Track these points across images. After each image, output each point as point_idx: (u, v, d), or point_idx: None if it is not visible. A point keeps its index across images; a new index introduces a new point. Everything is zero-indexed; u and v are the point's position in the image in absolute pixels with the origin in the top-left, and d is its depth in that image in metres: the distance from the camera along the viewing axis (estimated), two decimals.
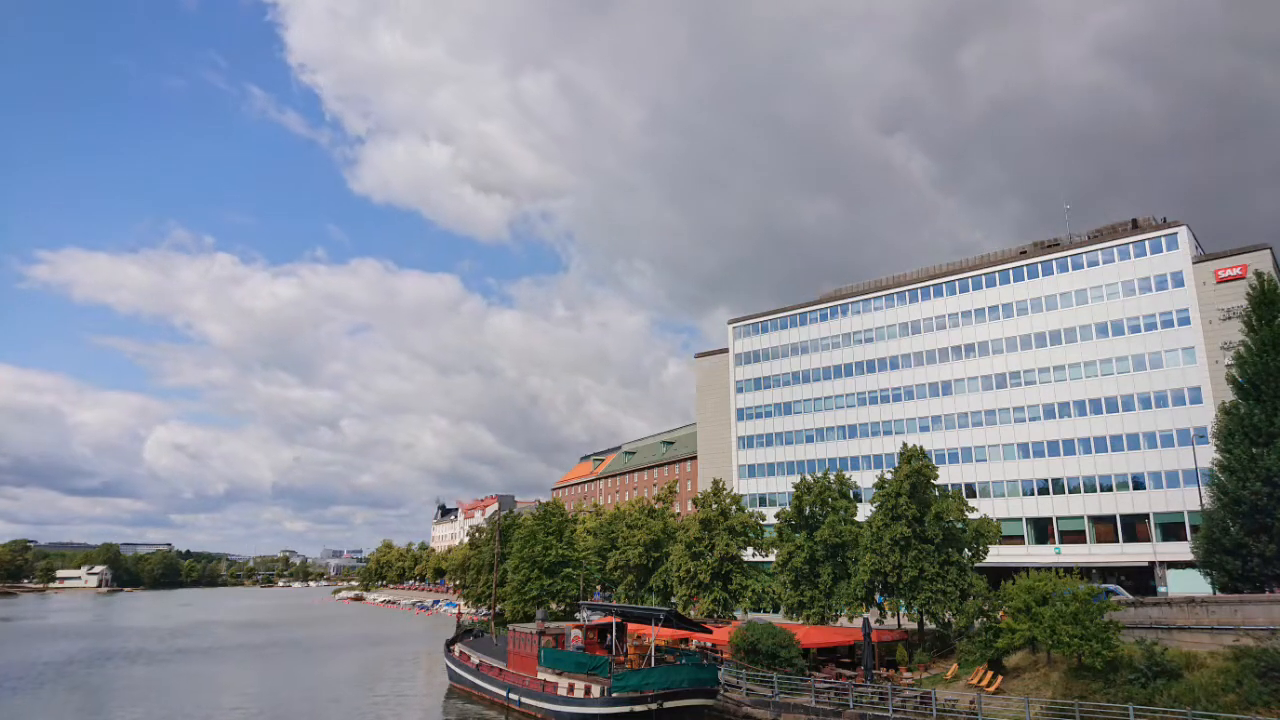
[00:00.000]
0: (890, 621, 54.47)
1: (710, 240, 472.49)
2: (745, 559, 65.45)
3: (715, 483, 70.10)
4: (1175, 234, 72.82)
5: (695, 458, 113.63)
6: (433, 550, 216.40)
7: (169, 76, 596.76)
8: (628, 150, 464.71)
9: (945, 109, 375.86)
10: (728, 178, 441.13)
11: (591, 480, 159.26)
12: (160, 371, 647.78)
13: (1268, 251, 67.83)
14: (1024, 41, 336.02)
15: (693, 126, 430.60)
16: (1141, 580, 68.28)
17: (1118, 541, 71.27)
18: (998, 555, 60.05)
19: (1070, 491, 74.92)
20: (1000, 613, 39.98)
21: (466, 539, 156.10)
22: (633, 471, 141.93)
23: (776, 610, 58.64)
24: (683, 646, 50.85)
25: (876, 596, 50.21)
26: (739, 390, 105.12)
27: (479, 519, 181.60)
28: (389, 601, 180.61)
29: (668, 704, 37.85)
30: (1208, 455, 46.08)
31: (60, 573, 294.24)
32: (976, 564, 47.88)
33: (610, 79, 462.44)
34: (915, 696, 36.63)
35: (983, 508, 62.17)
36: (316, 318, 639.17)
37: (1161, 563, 67.09)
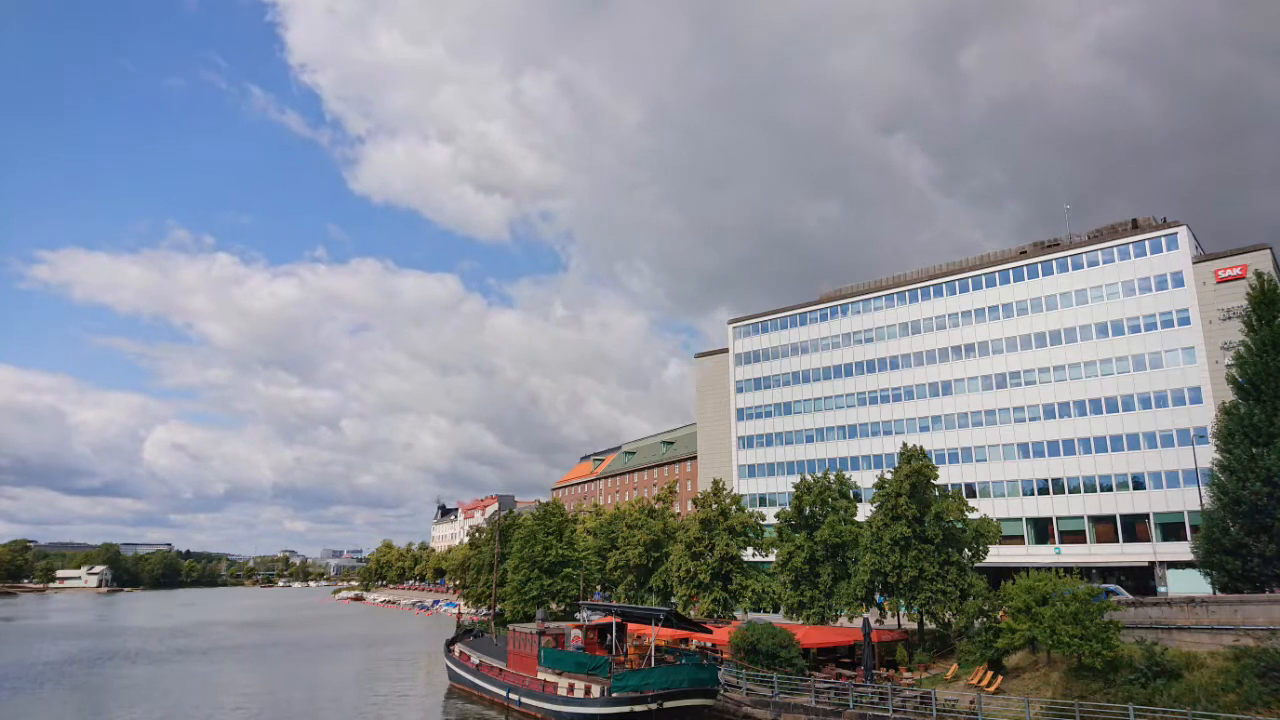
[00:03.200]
0: (890, 621, 54.46)
1: (710, 240, 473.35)
2: (745, 559, 65.40)
3: (715, 483, 70.07)
4: (1175, 234, 72.81)
5: (695, 458, 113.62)
6: (433, 550, 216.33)
7: (169, 76, 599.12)
8: (628, 150, 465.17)
9: (946, 109, 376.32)
10: (727, 177, 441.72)
11: (591, 480, 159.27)
12: (160, 371, 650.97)
13: (1268, 251, 67.83)
14: (1024, 42, 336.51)
15: (693, 126, 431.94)
16: (1141, 580, 68.30)
17: (1118, 541, 71.26)
18: (998, 555, 60.08)
19: (1070, 491, 74.91)
20: (1000, 613, 39.99)
21: (466, 539, 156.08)
22: (633, 471, 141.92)
23: (776, 610, 58.61)
24: (683, 646, 50.82)
25: (876, 596, 50.18)
26: (739, 390, 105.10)
27: (479, 519, 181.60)
28: (389, 601, 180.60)
29: (668, 704, 37.81)
30: (1208, 455, 46.08)
31: (60, 573, 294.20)
32: (976, 564, 47.87)
33: (610, 79, 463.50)
34: (915, 696, 36.63)
35: (983, 508, 62.18)
36: (317, 317, 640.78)
37: (1161, 563, 67.09)
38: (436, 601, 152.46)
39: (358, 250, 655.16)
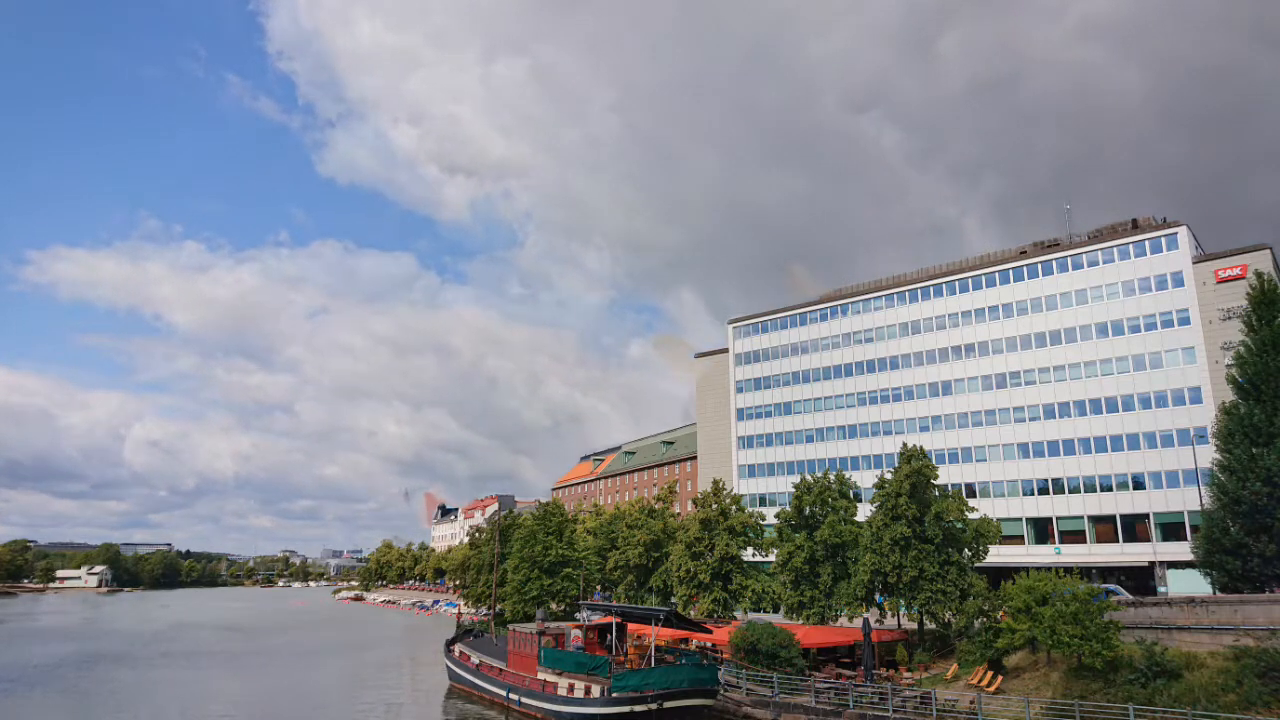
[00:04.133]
0: (890, 621, 54.46)
1: (672, 217, 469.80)
2: (745, 559, 65.40)
3: (715, 483, 70.07)
4: (1175, 234, 72.81)
5: (695, 458, 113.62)
6: (433, 550, 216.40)
7: (146, 66, 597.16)
8: (594, 129, 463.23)
9: (921, 88, 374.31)
10: (691, 155, 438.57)
11: (591, 480, 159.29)
12: (135, 366, 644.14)
13: (1268, 251, 67.84)
14: (1007, 27, 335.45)
15: (661, 107, 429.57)
16: (1141, 580, 68.29)
17: (1118, 541, 71.26)
18: (998, 555, 60.04)
19: (1070, 491, 74.91)
20: (1000, 613, 39.98)
21: (466, 539, 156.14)
22: (633, 471, 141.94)
23: (776, 610, 58.61)
24: (683, 646, 50.82)
25: (876, 596, 50.19)
26: (739, 390, 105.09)
27: (479, 519, 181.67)
28: (389, 601, 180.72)
29: (668, 704, 37.81)
30: (1208, 455, 46.08)
31: (60, 573, 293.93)
32: (976, 564, 47.87)
33: (586, 63, 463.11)
34: (915, 696, 36.64)
35: (983, 508, 62.11)
36: (277, 302, 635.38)
37: (1161, 563, 67.08)
38: (436, 601, 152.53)
39: (320, 233, 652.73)
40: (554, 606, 77.35)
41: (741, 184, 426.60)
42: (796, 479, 61.97)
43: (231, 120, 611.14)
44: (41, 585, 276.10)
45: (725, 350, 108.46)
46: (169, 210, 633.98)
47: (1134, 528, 70.77)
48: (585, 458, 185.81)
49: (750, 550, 65.95)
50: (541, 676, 43.73)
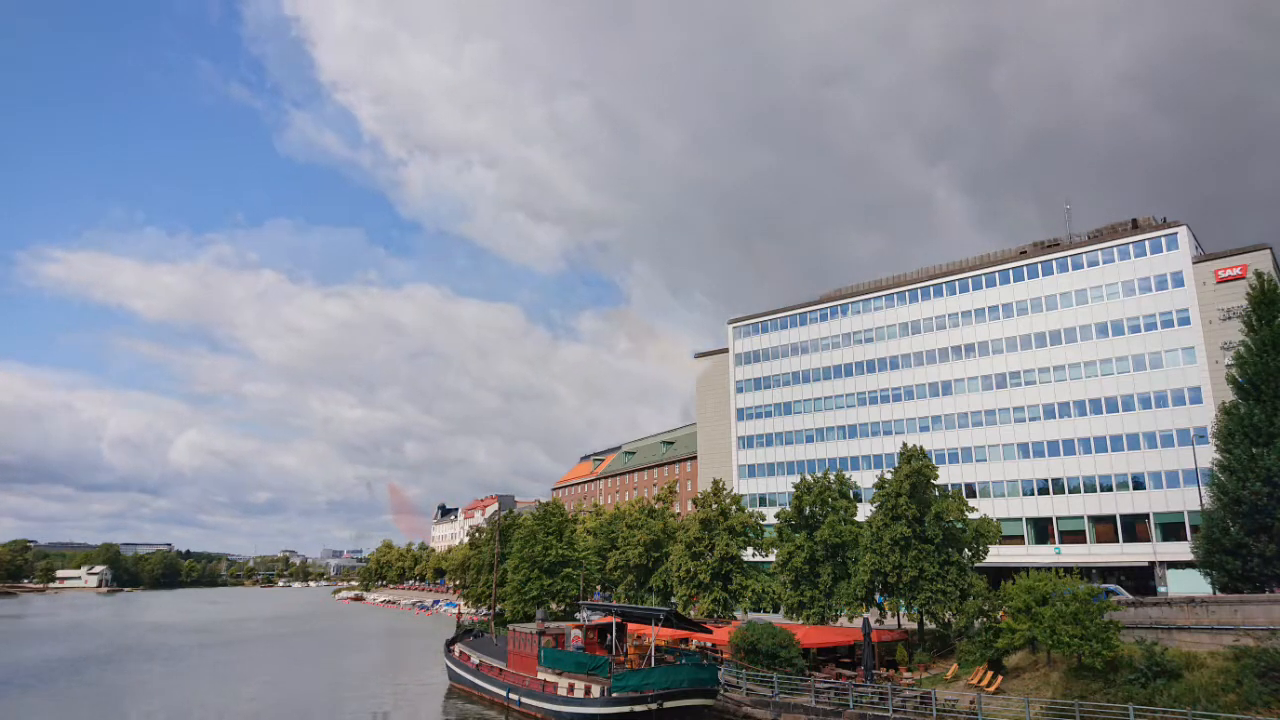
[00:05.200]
0: (890, 621, 54.47)
1: (762, 273, 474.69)
2: (745, 559, 65.40)
3: (715, 483, 70.07)
4: (1175, 234, 72.82)
5: (695, 458, 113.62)
6: (432, 550, 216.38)
7: (199, 94, 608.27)
8: (674, 178, 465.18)
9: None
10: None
11: (591, 480, 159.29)
12: (193, 378, 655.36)
13: (1268, 251, 67.84)
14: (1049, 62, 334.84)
15: (731, 152, 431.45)
16: (1141, 580, 68.29)
17: (1118, 541, 71.26)
18: (998, 555, 60.07)
19: (1070, 491, 74.91)
20: (1000, 613, 39.97)
21: (466, 539, 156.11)
22: (633, 471, 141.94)
23: (776, 610, 58.61)
24: (683, 646, 50.83)
25: (876, 596, 50.19)
26: (739, 390, 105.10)
27: (479, 519, 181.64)
28: (389, 601, 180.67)
29: (668, 704, 37.80)
30: (1208, 455, 46.08)
31: (60, 573, 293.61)
32: (976, 564, 47.87)
33: (645, 101, 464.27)
34: (915, 696, 36.64)
35: (983, 508, 62.15)
36: (372, 340, 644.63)
37: (1161, 563, 67.09)
38: (436, 601, 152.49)
39: (410, 275, 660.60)
40: (554, 606, 77.36)
41: (824, 240, 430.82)
42: (796, 479, 61.98)
43: (295, 154, 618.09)
44: (41, 585, 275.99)
45: (725, 350, 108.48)
46: (239, 238, 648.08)
47: (1134, 528, 70.77)
48: (585, 458, 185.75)
49: (750, 550, 65.95)
50: (541, 676, 43.73)
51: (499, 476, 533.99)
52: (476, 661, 53.76)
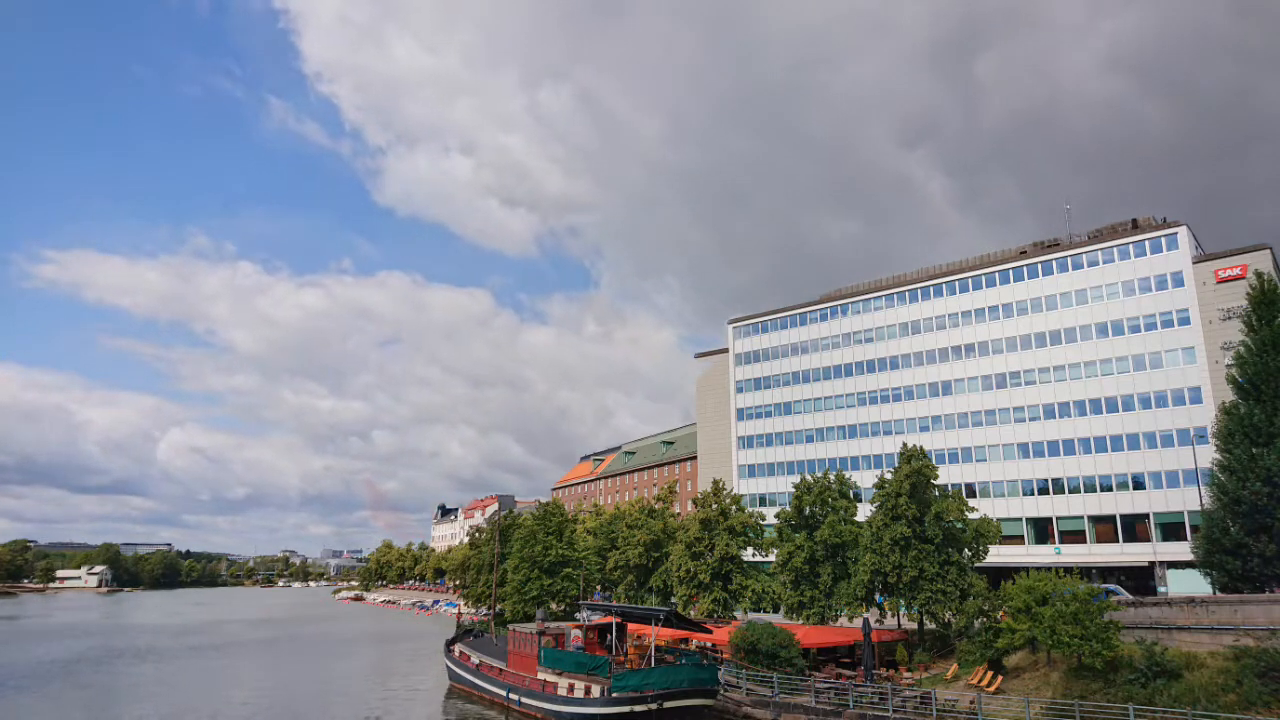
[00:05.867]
0: (890, 621, 54.46)
1: (734, 258, 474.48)
2: (745, 559, 65.40)
3: (715, 483, 70.06)
4: (1175, 234, 72.82)
5: (695, 458, 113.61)
6: (433, 550, 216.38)
7: (185, 84, 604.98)
8: (650, 164, 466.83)
9: (963, 122, 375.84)
10: (749, 193, 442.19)
11: (591, 480, 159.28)
12: (178, 375, 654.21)
13: (1268, 251, 67.83)
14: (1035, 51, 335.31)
15: (711, 139, 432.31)
16: (1141, 580, 68.29)
17: (1118, 541, 71.26)
18: (998, 555, 60.07)
19: (1070, 491, 74.90)
20: (1000, 613, 39.97)
21: (466, 539, 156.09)
22: (633, 471, 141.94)
23: (776, 610, 58.61)
24: (683, 646, 50.82)
25: (876, 596, 50.18)
26: (739, 390, 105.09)
27: (479, 519, 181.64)
28: (389, 601, 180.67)
29: (668, 704, 37.80)
30: (1208, 455, 46.08)
31: (60, 573, 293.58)
32: (976, 564, 47.86)
33: (627, 89, 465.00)
34: (915, 696, 36.63)
35: (983, 508, 62.16)
36: (344, 329, 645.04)
37: (1161, 563, 67.09)
38: (436, 601, 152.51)
39: (385, 263, 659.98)
40: (554, 606, 77.34)
41: (797, 222, 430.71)
42: (796, 479, 61.97)
43: (276, 143, 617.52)
44: (41, 585, 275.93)
45: (725, 350, 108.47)
46: (219, 229, 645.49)
47: (1134, 528, 70.77)
48: (585, 458, 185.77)
49: (750, 550, 65.95)
50: (541, 676, 43.73)
51: (472, 470, 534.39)
52: (476, 661, 53.77)
